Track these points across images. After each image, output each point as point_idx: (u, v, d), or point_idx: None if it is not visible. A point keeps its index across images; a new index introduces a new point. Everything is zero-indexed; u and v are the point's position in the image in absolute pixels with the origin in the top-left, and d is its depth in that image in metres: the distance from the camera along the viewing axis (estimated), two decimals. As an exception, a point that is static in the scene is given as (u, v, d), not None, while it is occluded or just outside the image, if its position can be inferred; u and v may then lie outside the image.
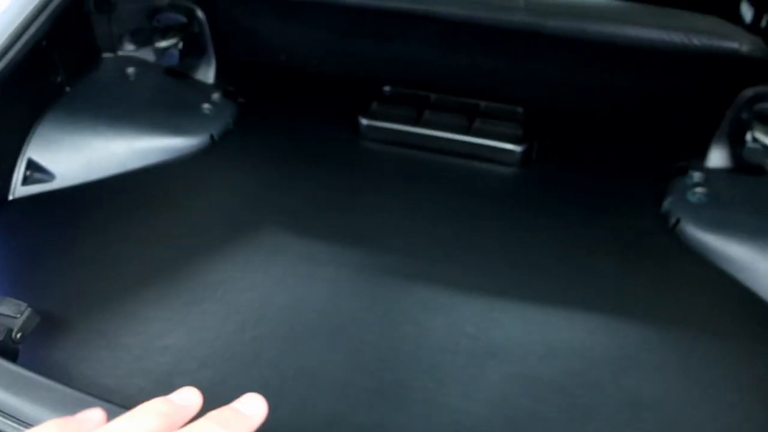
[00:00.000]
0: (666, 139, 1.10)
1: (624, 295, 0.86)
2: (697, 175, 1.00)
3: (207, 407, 0.40)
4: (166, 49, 1.13)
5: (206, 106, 1.13)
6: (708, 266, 0.89)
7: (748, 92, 0.98)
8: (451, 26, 1.08)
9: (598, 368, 0.77)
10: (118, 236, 0.93)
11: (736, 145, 0.99)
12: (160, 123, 1.08)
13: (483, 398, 0.74)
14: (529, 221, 0.97)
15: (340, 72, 1.21)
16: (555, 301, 0.84)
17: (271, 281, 0.86)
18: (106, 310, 0.82)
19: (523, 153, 1.07)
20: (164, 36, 1.14)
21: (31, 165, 1.00)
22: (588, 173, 1.06)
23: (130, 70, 1.16)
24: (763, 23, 1.04)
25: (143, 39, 1.18)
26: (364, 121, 1.12)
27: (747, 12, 1.06)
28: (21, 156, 1.00)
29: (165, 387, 0.46)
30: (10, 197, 0.98)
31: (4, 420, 0.56)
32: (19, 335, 0.71)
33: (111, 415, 0.40)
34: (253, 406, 0.36)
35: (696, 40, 0.98)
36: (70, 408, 0.51)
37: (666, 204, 0.98)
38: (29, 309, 0.72)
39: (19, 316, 0.71)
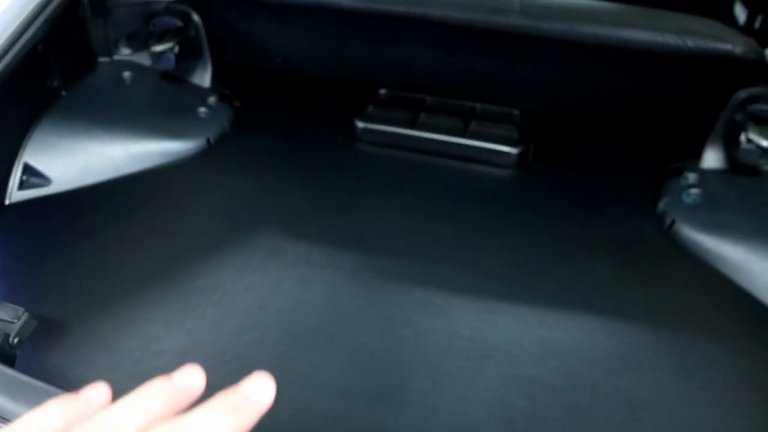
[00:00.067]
0: (661, 140, 1.11)
1: (620, 296, 0.86)
2: (692, 176, 1.00)
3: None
4: (162, 53, 1.13)
5: (202, 109, 1.13)
6: (703, 267, 0.90)
7: (742, 93, 0.99)
8: (446, 29, 1.08)
9: (595, 369, 0.77)
10: (115, 240, 0.93)
11: (730, 146, 0.99)
12: (157, 127, 1.08)
13: (480, 399, 0.74)
14: (524, 223, 0.98)
15: (335, 75, 1.22)
16: (551, 302, 0.85)
17: (269, 284, 0.86)
18: (104, 313, 0.82)
19: (519, 155, 1.07)
20: (160, 40, 1.14)
21: (28, 169, 1.00)
22: (583, 175, 1.07)
23: (126, 74, 1.16)
24: (757, 25, 1.05)
25: (139, 43, 1.18)
26: (360, 124, 1.12)
27: (740, 14, 1.07)
28: (17, 160, 1.00)
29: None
30: (7, 202, 0.98)
31: (1, 425, 0.56)
32: (16, 340, 0.70)
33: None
34: (260, 389, 0.35)
35: (690, 42, 0.98)
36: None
37: (661, 205, 0.98)
38: (26, 314, 0.72)
39: (16, 321, 0.71)
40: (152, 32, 1.15)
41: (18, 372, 0.61)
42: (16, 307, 0.72)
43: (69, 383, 0.72)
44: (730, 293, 0.86)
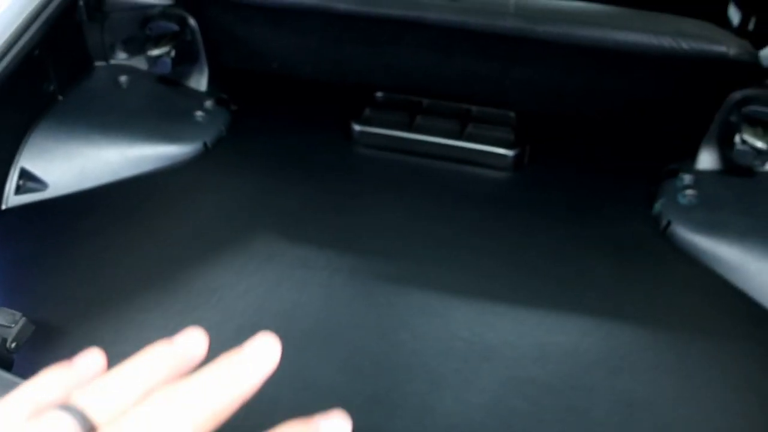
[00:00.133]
0: (656, 141, 1.11)
1: (616, 297, 0.86)
2: (687, 178, 1.01)
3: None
4: (158, 57, 1.13)
5: (199, 113, 1.13)
6: (699, 267, 0.90)
7: (737, 95, 0.99)
8: (442, 32, 1.09)
9: (592, 370, 0.77)
10: (112, 244, 0.93)
11: (725, 147, 1.00)
12: (153, 131, 1.08)
13: (478, 401, 0.74)
14: (521, 225, 0.98)
15: (332, 78, 1.22)
16: (548, 303, 0.85)
17: (267, 287, 0.86)
18: (101, 317, 0.81)
19: (516, 157, 1.08)
20: (156, 44, 1.14)
21: (24, 174, 1.00)
22: (579, 177, 1.07)
23: (123, 78, 1.16)
24: (751, 26, 1.05)
25: (135, 47, 1.18)
26: (357, 127, 1.13)
27: (734, 15, 1.07)
28: (14, 165, 1.00)
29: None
30: (3, 207, 0.97)
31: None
32: (13, 344, 0.70)
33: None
34: (265, 349, 0.34)
35: (684, 44, 0.99)
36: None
37: (657, 206, 0.99)
38: (24, 318, 0.72)
39: (13, 325, 0.71)
40: (149, 36, 1.15)
41: (15, 376, 0.61)
42: (13, 311, 0.72)
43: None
44: (727, 294, 0.87)
